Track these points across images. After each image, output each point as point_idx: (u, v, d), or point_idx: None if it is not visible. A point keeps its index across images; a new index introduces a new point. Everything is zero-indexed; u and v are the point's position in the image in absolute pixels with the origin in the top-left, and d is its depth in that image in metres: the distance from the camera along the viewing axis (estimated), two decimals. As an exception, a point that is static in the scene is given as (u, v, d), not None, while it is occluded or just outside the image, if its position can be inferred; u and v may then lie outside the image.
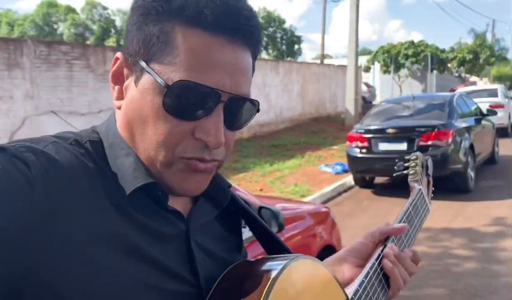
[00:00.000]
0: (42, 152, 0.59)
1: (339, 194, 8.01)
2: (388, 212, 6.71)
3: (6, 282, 0.53)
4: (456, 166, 7.21)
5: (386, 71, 26.59)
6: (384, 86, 28.34)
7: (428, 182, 1.21)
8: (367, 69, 27.98)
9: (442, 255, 4.89)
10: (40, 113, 7.82)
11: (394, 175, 1.18)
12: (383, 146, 7.49)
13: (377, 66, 29.00)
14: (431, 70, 22.42)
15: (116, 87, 0.69)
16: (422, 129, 7.22)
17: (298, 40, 33.48)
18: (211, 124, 0.63)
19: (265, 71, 14.17)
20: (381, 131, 7.59)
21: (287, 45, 32.91)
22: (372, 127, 7.78)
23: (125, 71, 0.67)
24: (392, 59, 23.67)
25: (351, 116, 15.37)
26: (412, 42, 26.44)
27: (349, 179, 8.51)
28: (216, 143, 0.63)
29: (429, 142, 7.11)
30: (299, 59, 32.78)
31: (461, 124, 7.68)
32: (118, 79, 0.68)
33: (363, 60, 28.46)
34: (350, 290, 0.81)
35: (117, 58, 0.68)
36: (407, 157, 1.19)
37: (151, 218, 0.66)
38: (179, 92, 0.61)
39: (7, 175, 0.54)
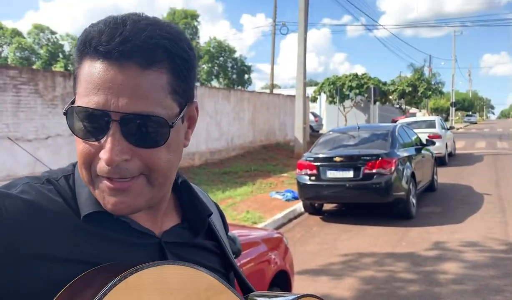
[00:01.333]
0: (7, 195, 0.68)
1: (290, 220, 8.17)
2: (336, 237, 6.93)
3: None
4: (399, 193, 7.58)
5: (331, 102, 27.50)
6: (330, 116, 29.32)
7: None
8: (314, 99, 28.83)
9: (387, 279, 5.11)
10: (-17, 139, 7.51)
11: None
12: (331, 174, 7.77)
13: (323, 97, 29.97)
14: (374, 102, 23.47)
15: None
16: (367, 158, 7.57)
17: (248, 69, 34.13)
18: (107, 142, 0.66)
19: (217, 99, 14.35)
20: (329, 159, 7.88)
21: (238, 74, 33.44)
22: (321, 156, 8.06)
23: None
24: (338, 90, 24.56)
25: (300, 144, 15.76)
26: (356, 75, 27.59)
27: (299, 205, 8.71)
28: (107, 159, 0.66)
29: (374, 170, 7.46)
30: (249, 88, 33.33)
31: (403, 153, 8.11)
32: None
33: (310, 91, 29.35)
34: None
35: None
36: None
37: (120, 233, 0.73)
38: (72, 117, 0.69)
39: None
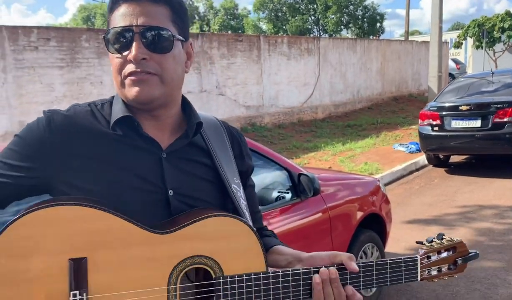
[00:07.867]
0: (56, 112, 1.04)
1: (411, 172, 7.92)
2: (457, 190, 6.57)
3: (36, 178, 1.00)
4: (535, 144, 6.81)
5: (479, 46, 24.78)
6: (477, 62, 26.50)
7: (451, 265, 1.19)
8: (458, 45, 26.24)
9: (506, 231, 4.78)
10: (127, 97, 8.62)
11: (416, 242, 1.22)
12: (456, 124, 7.28)
13: (469, 42, 27.13)
14: (531, 43, 20.56)
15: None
16: (498, 105, 6.91)
17: (381, 17, 32.13)
18: (133, 47, 0.98)
19: (341, 50, 14.06)
20: (454, 108, 7.37)
21: (369, 23, 31.74)
22: (446, 104, 7.57)
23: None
24: (484, 33, 21.97)
25: (435, 94, 14.72)
26: (509, 14, 24.28)
27: (422, 158, 8.36)
28: (134, 55, 0.97)
29: (505, 119, 6.79)
30: (383, 37, 31.48)
31: (545, 99, 7.19)
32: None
33: (455, 35, 26.75)
34: (273, 270, 0.99)
35: None
36: (444, 237, 1.22)
37: (133, 139, 1.03)
38: (108, 36, 1.01)
39: (31, 125, 1.03)
